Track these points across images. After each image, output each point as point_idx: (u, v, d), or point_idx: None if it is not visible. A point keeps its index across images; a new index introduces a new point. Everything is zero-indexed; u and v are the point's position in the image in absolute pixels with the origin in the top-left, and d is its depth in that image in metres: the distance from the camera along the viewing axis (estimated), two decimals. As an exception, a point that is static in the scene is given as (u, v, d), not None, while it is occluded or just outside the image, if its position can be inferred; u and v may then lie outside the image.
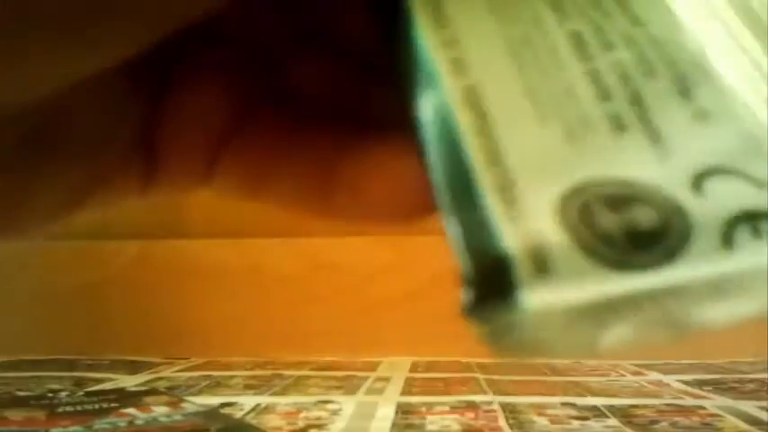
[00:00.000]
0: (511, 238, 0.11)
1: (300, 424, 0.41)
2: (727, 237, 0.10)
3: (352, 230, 0.79)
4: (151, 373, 0.64)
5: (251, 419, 0.42)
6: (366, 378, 0.59)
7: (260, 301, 0.78)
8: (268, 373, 0.63)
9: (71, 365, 0.69)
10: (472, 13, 0.13)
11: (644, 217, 0.10)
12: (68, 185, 0.15)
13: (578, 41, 0.12)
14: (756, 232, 0.10)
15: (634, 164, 0.11)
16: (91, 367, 0.67)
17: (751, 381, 0.57)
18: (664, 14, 0.12)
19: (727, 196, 0.10)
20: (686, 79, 0.11)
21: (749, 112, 0.11)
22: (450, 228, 0.13)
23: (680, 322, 0.11)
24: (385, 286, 0.77)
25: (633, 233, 0.10)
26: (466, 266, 0.12)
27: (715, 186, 0.10)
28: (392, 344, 0.75)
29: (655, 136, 0.11)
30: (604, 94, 0.11)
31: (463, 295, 0.12)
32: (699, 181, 0.10)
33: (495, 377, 0.59)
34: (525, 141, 0.11)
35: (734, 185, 0.10)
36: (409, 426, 0.40)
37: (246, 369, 0.65)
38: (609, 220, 0.10)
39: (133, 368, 0.66)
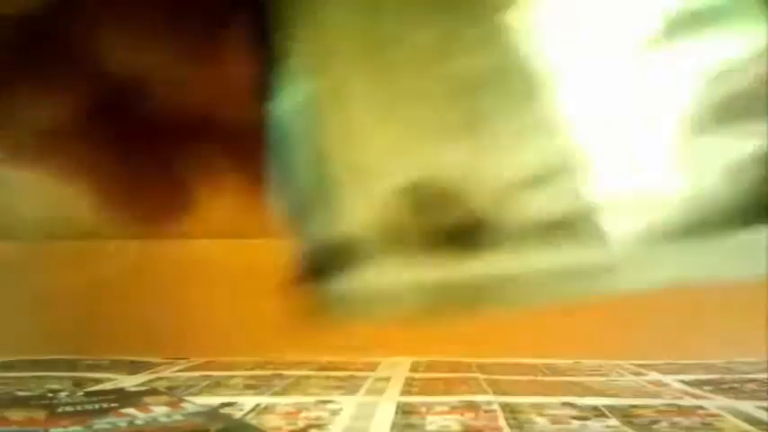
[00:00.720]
0: (343, 226, 0.12)
1: (300, 424, 0.41)
2: (534, 238, 0.11)
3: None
4: (151, 373, 0.64)
5: (251, 419, 0.42)
6: (366, 378, 0.59)
7: (260, 301, 0.78)
8: (268, 373, 0.63)
9: (71, 365, 0.69)
10: (338, 15, 0.13)
11: (455, 214, 0.12)
12: None
13: (443, 43, 0.12)
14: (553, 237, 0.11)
15: (461, 167, 0.12)
16: (91, 367, 0.67)
17: (751, 381, 0.57)
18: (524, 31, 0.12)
19: (536, 205, 0.11)
20: (531, 91, 0.12)
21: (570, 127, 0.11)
22: (292, 216, 0.15)
23: (475, 306, 0.12)
24: (385, 286, 0.77)
25: (442, 229, 0.12)
26: (302, 250, 0.14)
27: (528, 194, 0.11)
28: (392, 344, 0.75)
29: (490, 143, 0.12)
30: (454, 98, 0.12)
31: (297, 273, 0.15)
32: (513, 189, 0.11)
33: (495, 377, 0.59)
34: (370, 140, 0.12)
35: (544, 194, 0.11)
36: (409, 426, 0.40)
37: (246, 369, 0.65)
38: (423, 217, 0.12)
39: (133, 368, 0.66)
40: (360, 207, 0.12)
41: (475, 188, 0.12)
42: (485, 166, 0.12)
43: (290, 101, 0.13)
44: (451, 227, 0.12)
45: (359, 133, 0.13)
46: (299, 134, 0.13)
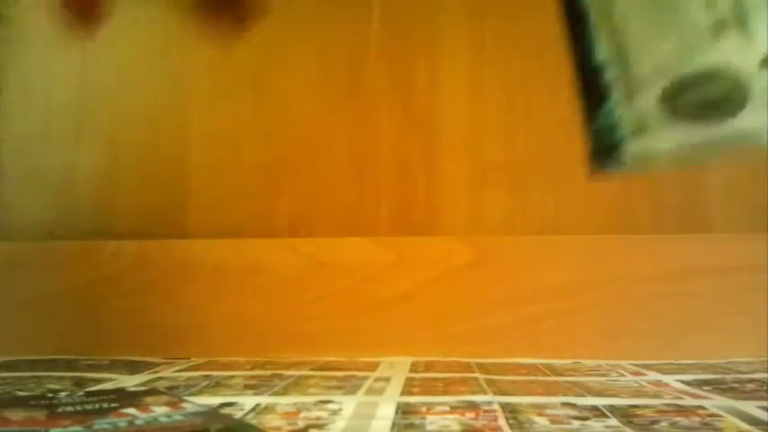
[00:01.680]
0: (625, 118, 0.17)
1: (300, 424, 0.41)
2: None
3: (353, 231, 0.79)
4: (151, 373, 0.64)
5: (251, 419, 0.42)
6: (366, 378, 0.59)
7: (260, 301, 0.78)
8: (268, 373, 0.63)
9: (71, 365, 0.69)
10: None
11: (713, 90, 0.16)
12: None
13: None
14: None
15: (722, 54, 0.16)
16: (91, 367, 0.67)
17: (751, 381, 0.57)
18: None
19: None
20: None
21: None
22: (586, 120, 0.19)
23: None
24: (385, 286, 0.77)
25: (704, 101, 0.16)
26: (594, 137, 0.19)
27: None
28: (392, 344, 0.75)
29: (745, 33, 0.16)
30: (710, 3, 0.16)
31: (590, 158, 0.19)
32: (765, 63, 0.15)
33: (495, 377, 0.59)
34: (646, 49, 0.17)
35: None
36: (409, 426, 0.40)
37: (246, 369, 0.65)
38: (690, 94, 0.16)
39: (133, 368, 0.66)
40: (637, 102, 0.17)
41: (733, 66, 0.15)
42: (744, 48, 0.16)
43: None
44: (714, 98, 0.16)
45: (638, 45, 0.17)
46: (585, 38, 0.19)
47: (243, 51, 0.83)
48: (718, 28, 0.16)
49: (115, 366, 0.68)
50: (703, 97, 0.16)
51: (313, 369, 0.65)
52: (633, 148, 0.18)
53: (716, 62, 0.16)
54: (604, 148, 0.19)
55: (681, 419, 0.42)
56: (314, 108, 0.82)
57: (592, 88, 0.19)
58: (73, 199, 0.84)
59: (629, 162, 0.18)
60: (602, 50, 0.18)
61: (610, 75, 0.18)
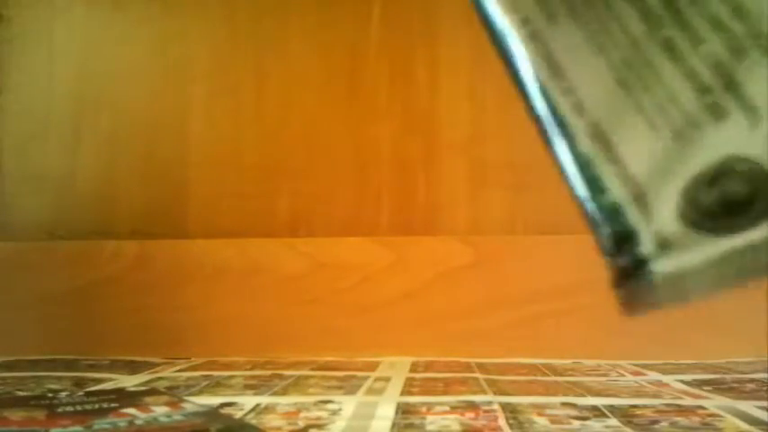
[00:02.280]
0: (645, 235, 0.15)
1: (300, 424, 0.41)
2: None
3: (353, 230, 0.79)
4: (151, 373, 0.64)
5: (251, 419, 0.42)
6: (366, 378, 0.59)
7: (260, 301, 0.78)
8: (268, 373, 0.63)
9: (71, 365, 0.69)
10: (578, 56, 0.15)
11: (735, 187, 0.13)
12: None
13: (670, 47, 0.14)
14: None
15: (732, 142, 0.13)
16: (91, 367, 0.67)
17: (751, 381, 0.57)
18: None
19: None
20: None
21: None
22: (599, 239, 0.17)
23: None
24: (385, 286, 0.77)
25: (727, 203, 0.13)
26: (613, 261, 0.17)
27: None
28: (392, 344, 0.75)
29: (750, 112, 0.13)
30: (702, 89, 0.14)
31: (611, 279, 0.17)
32: None
33: (495, 377, 0.59)
34: (643, 153, 0.15)
35: None
36: (409, 426, 0.40)
37: (246, 369, 0.65)
38: (707, 196, 0.14)
39: (133, 368, 0.66)
40: (654, 214, 0.15)
41: (748, 154, 0.13)
42: (754, 129, 0.13)
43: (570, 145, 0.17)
44: (728, 200, 0.13)
45: (635, 153, 0.15)
46: (583, 171, 0.17)
47: (243, 51, 0.83)
48: (717, 111, 0.14)
49: (115, 366, 0.68)
50: (723, 199, 0.14)
51: (313, 369, 0.65)
52: (661, 269, 0.15)
53: (726, 153, 0.14)
54: (626, 273, 0.16)
55: (681, 419, 0.42)
56: (314, 108, 0.82)
57: (586, 179, 0.17)
58: (73, 199, 0.84)
59: (661, 288, 0.16)
60: (584, 145, 0.17)
61: (601, 171, 0.16)
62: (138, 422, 0.34)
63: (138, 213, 0.83)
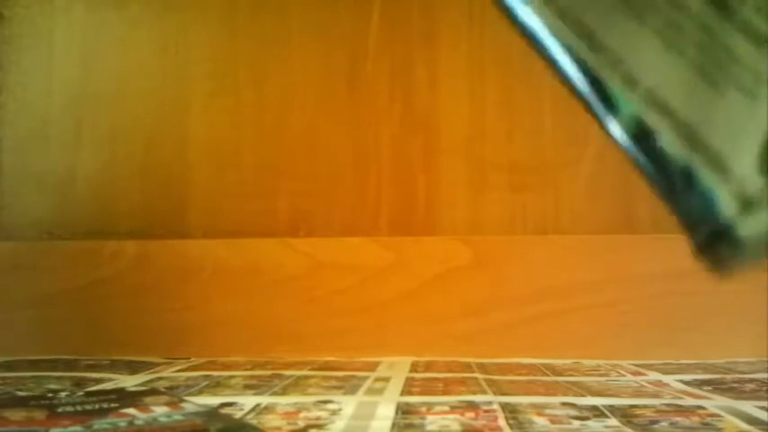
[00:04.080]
0: (725, 195, 0.14)
1: (300, 424, 0.41)
2: None
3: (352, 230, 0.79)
4: (151, 373, 0.64)
5: (251, 419, 0.42)
6: (366, 378, 0.59)
7: (260, 301, 0.78)
8: (268, 373, 0.63)
9: (71, 365, 0.69)
10: (616, 25, 0.15)
11: None
12: None
13: (717, 2, 0.14)
14: None
15: None
16: (91, 367, 0.67)
17: (751, 381, 0.57)
18: None
19: None
20: None
21: None
22: (675, 209, 0.17)
23: None
24: (385, 286, 0.77)
25: None
26: (696, 228, 0.16)
27: None
28: (392, 344, 0.75)
29: None
30: (759, 40, 0.13)
31: (695, 246, 0.16)
32: None
33: (495, 377, 0.59)
34: (714, 118, 0.14)
35: None
36: (409, 426, 0.40)
37: (246, 369, 0.65)
38: None
39: (133, 368, 0.66)
40: (734, 174, 0.14)
41: None
42: None
43: (623, 115, 0.16)
44: None
45: (704, 118, 0.14)
46: (644, 142, 0.16)
47: (243, 51, 0.83)
48: None
49: (115, 366, 0.68)
50: None
51: (313, 369, 0.65)
52: (746, 230, 0.15)
53: None
54: (711, 239, 0.16)
55: (681, 419, 0.42)
56: (314, 108, 0.82)
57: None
58: (73, 199, 0.84)
59: (747, 249, 0.15)
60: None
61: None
62: (138, 422, 0.34)
63: (138, 213, 0.83)
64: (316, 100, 0.82)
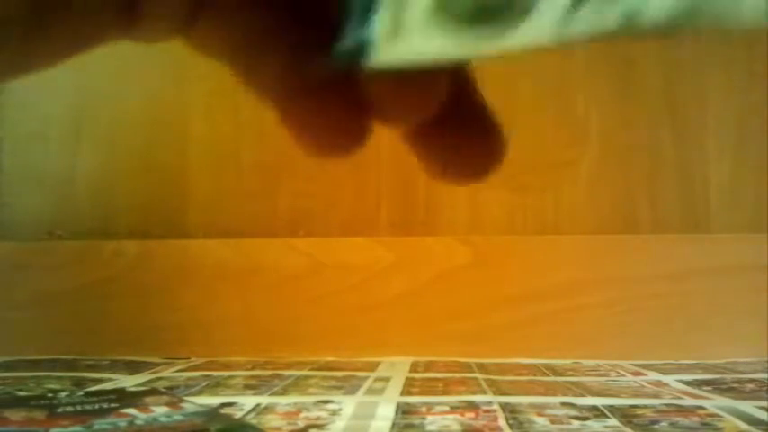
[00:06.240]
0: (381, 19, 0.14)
1: (300, 424, 0.41)
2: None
3: (352, 230, 0.79)
4: (151, 373, 0.64)
5: (251, 419, 0.42)
6: (366, 378, 0.59)
7: (260, 301, 0.78)
8: (268, 373, 0.63)
9: (71, 365, 0.69)
10: None
11: None
12: (68, 30, 0.18)
13: None
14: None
15: None
16: (91, 367, 0.67)
17: (750, 381, 0.57)
18: None
19: None
20: None
21: None
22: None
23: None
24: (385, 286, 0.77)
25: (480, 7, 0.13)
26: (347, 22, 0.15)
27: None
28: (392, 344, 0.75)
29: None
30: None
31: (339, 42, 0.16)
32: None
33: (495, 377, 0.59)
34: None
35: None
36: (409, 426, 0.40)
37: (246, 369, 0.65)
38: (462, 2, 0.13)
39: (133, 368, 0.66)
40: None
41: None
42: None
43: None
44: (492, 4, 0.13)
45: None
46: None
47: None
48: None
49: (115, 366, 0.68)
50: (478, 4, 0.13)
51: (313, 369, 0.65)
52: (381, 50, 0.15)
53: None
54: (349, 49, 0.16)
55: (681, 419, 0.42)
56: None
57: None
58: (73, 199, 0.84)
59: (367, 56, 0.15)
60: None
61: None
62: (138, 422, 0.34)
63: (137, 213, 0.83)
64: (316, 100, 0.82)
